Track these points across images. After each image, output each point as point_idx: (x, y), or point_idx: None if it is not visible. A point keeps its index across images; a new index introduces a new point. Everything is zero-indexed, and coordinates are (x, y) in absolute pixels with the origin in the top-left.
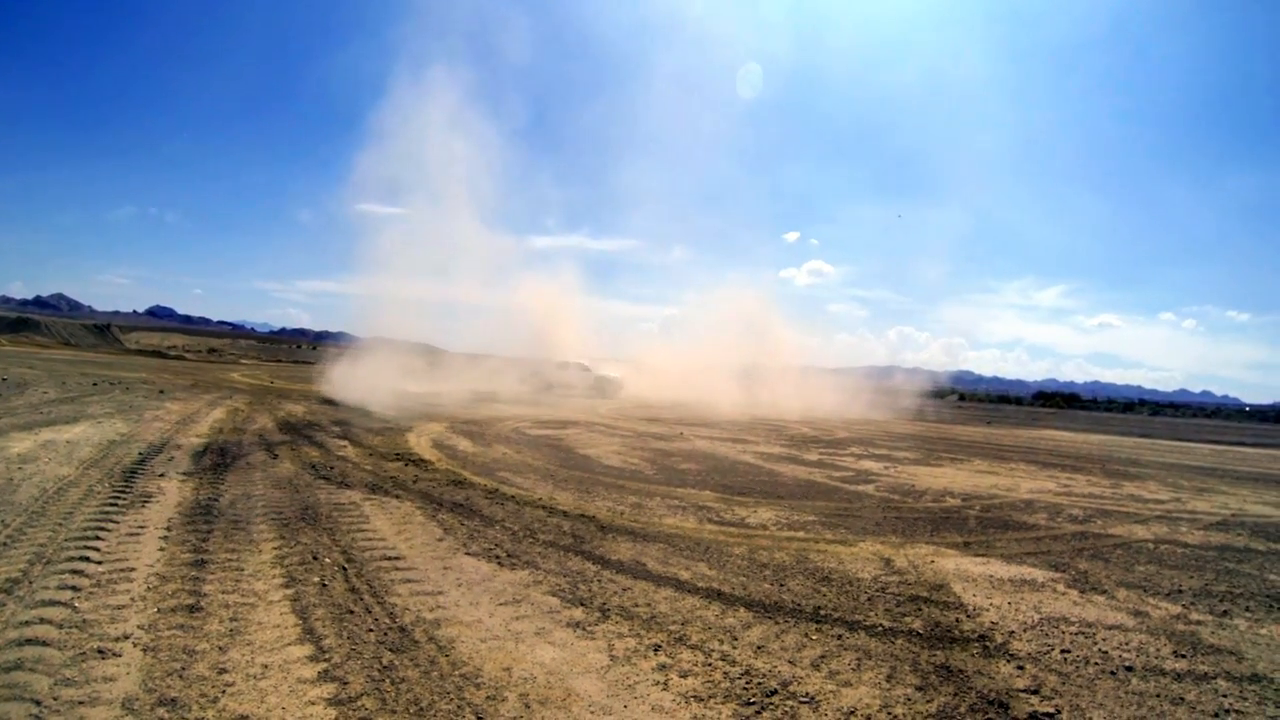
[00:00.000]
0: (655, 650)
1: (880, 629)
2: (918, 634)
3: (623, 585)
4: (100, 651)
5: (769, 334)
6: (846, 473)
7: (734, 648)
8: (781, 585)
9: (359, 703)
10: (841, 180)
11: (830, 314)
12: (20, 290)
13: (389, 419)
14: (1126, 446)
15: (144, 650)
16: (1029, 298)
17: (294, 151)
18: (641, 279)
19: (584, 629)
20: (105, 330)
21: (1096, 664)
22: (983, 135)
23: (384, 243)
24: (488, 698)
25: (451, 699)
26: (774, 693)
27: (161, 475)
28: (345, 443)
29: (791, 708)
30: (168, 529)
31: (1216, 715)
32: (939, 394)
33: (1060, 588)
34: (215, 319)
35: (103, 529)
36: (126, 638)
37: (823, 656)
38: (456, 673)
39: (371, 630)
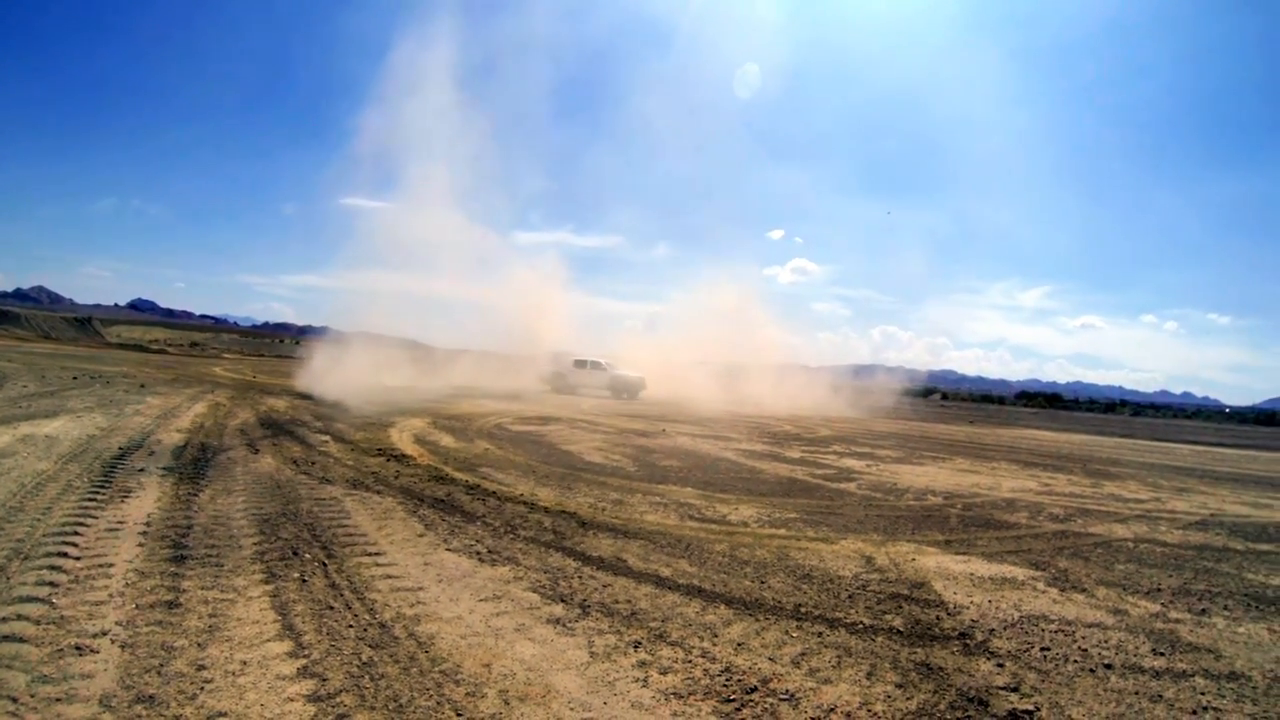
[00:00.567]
0: (635, 647)
1: (861, 626)
2: (898, 631)
3: (603, 582)
4: (78, 648)
5: (751, 330)
6: (828, 470)
7: (714, 645)
8: (762, 582)
9: (338, 699)
10: (826, 179)
11: (814, 312)
12: None
13: (371, 414)
14: (1107, 446)
15: (122, 647)
16: (1012, 298)
17: (279, 144)
18: (626, 276)
19: (564, 625)
20: (86, 323)
21: (1076, 661)
22: (968, 137)
23: (369, 236)
24: (467, 694)
25: (431, 695)
26: (754, 690)
27: (141, 470)
28: (327, 438)
29: (771, 705)
30: (147, 524)
31: (1195, 712)
32: (923, 393)
33: (1040, 586)
34: (198, 312)
35: (81, 524)
36: (104, 634)
37: (803, 654)
38: (436, 669)
39: (351, 626)
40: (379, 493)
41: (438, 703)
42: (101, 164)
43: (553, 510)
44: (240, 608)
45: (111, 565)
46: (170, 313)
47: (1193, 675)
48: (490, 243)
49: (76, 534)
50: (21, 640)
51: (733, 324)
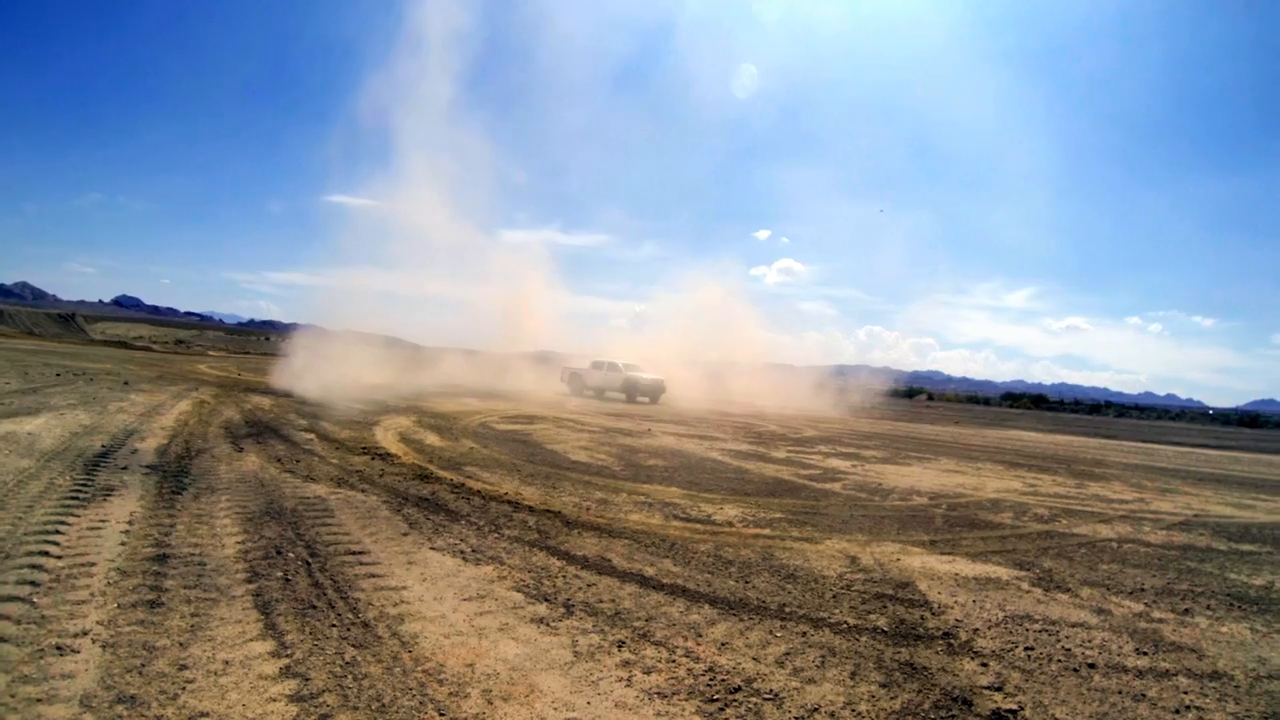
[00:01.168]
0: (619, 646)
1: (845, 626)
2: (882, 631)
3: (587, 581)
4: (59, 648)
5: (737, 330)
6: (814, 470)
7: (698, 644)
8: (746, 582)
9: (320, 699)
10: (813, 180)
11: (800, 312)
12: None
13: (356, 412)
14: (1092, 447)
15: (103, 647)
16: (998, 299)
17: (265, 141)
18: (612, 274)
19: (548, 625)
20: (70, 320)
21: (1060, 661)
22: (956, 138)
23: (354, 233)
24: (450, 694)
25: (414, 695)
26: (738, 690)
27: (124, 469)
28: (312, 436)
29: (755, 705)
30: (129, 523)
31: (1178, 711)
32: (908, 393)
33: (1025, 586)
34: (183, 309)
35: (63, 523)
36: (86, 634)
37: (787, 654)
38: (419, 668)
39: (334, 626)
40: (363, 491)
41: (420, 702)
42: (87, 160)
43: (537, 509)
44: (223, 607)
45: (93, 564)
46: (155, 309)
47: (1176, 674)
48: (475, 240)
49: (58, 533)
50: (2, 640)
51: (717, 323)
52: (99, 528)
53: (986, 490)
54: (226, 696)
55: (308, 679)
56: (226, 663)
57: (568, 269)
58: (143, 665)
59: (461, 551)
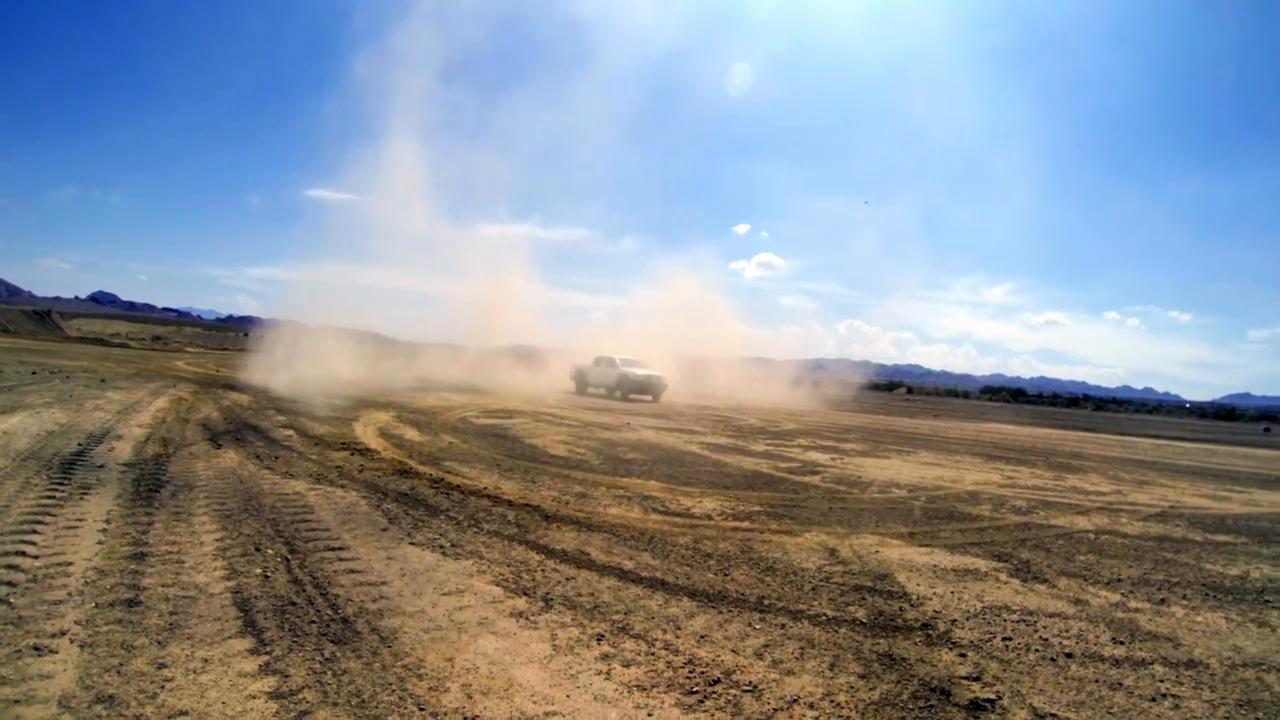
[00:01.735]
0: (598, 640)
1: (824, 618)
2: (861, 623)
3: (566, 575)
4: (36, 649)
5: (715, 324)
6: (793, 464)
7: (677, 637)
8: (725, 575)
9: (300, 696)
10: (793, 174)
11: (780, 306)
12: None
13: (336, 408)
14: (1070, 440)
15: (81, 647)
16: (978, 294)
17: (243, 134)
18: (592, 269)
19: (527, 619)
20: (45, 317)
21: (1037, 651)
22: (935, 134)
23: (333, 228)
24: (430, 689)
25: (394, 690)
26: (717, 681)
27: (101, 467)
28: (291, 432)
29: (734, 696)
30: (107, 522)
31: (1154, 699)
32: (888, 387)
33: (1003, 577)
34: (160, 305)
35: (39, 522)
36: (63, 634)
37: (766, 646)
38: (399, 664)
39: (314, 622)
40: (343, 487)
41: (400, 698)
42: (60, 153)
43: (516, 504)
44: (201, 605)
45: (70, 564)
46: (132, 305)
47: (1152, 663)
48: (455, 235)
49: (34, 532)
50: None
51: (696, 317)
52: (76, 527)
53: (965, 483)
54: (206, 694)
55: (287, 676)
56: (205, 660)
57: (547, 263)
58: (121, 664)
59: (441, 546)
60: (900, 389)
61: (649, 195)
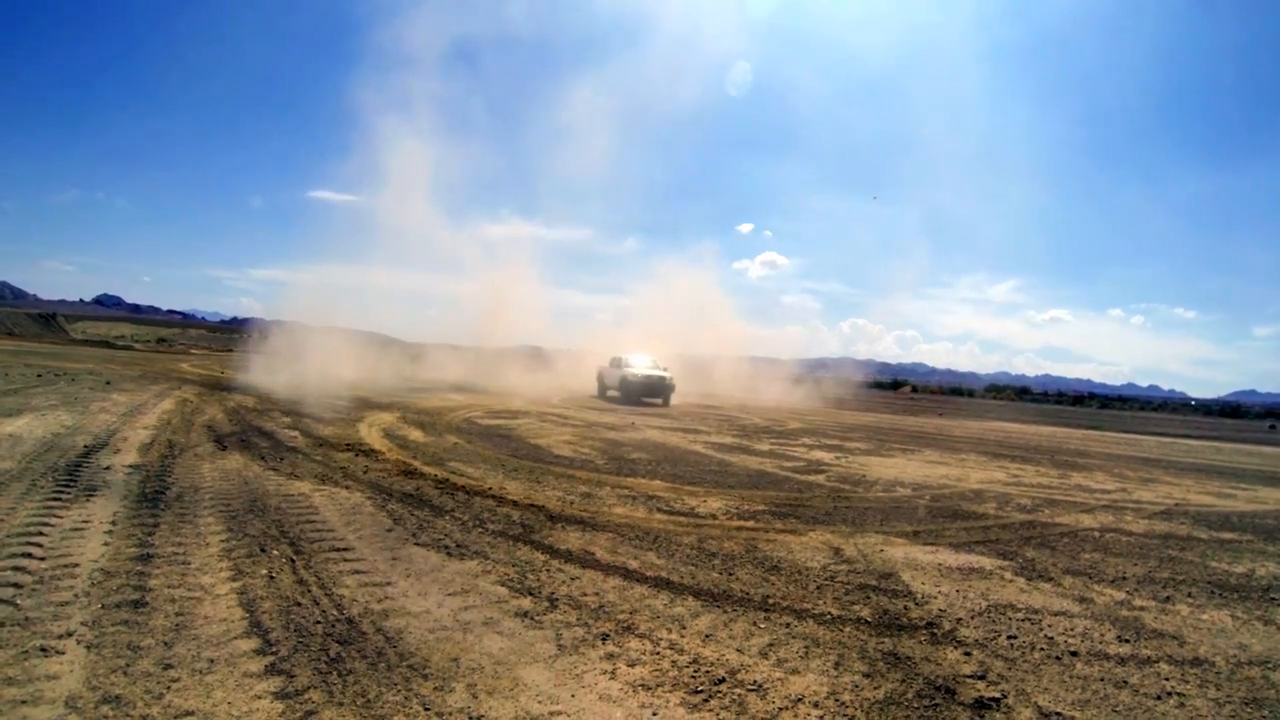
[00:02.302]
0: (603, 639)
1: (828, 617)
2: (866, 622)
3: (571, 575)
4: (43, 649)
5: (719, 323)
6: (798, 463)
7: (682, 636)
8: (730, 574)
9: (306, 696)
10: (796, 173)
11: (784, 305)
12: None
13: (341, 409)
14: (1075, 438)
15: (87, 647)
16: (982, 292)
17: (247, 136)
18: (596, 269)
19: (532, 618)
20: (50, 319)
21: (1042, 649)
22: (939, 132)
23: (337, 230)
24: (435, 688)
25: (399, 690)
26: (722, 681)
27: (107, 469)
28: (295, 433)
29: (739, 696)
30: (113, 523)
31: (1159, 697)
32: (892, 385)
33: (1008, 575)
34: (165, 308)
35: (46, 524)
36: (70, 635)
37: (771, 645)
38: (404, 664)
39: (319, 622)
40: (347, 488)
41: (406, 697)
42: (63, 156)
43: (521, 504)
44: (207, 605)
45: (77, 565)
46: (137, 308)
47: (1157, 661)
48: (458, 236)
49: (41, 534)
50: None
51: (699, 316)
52: (82, 528)
53: (970, 481)
54: (212, 695)
55: (293, 676)
56: (211, 661)
57: (551, 263)
58: (127, 665)
59: (446, 547)
60: (904, 387)
61: (652, 195)
